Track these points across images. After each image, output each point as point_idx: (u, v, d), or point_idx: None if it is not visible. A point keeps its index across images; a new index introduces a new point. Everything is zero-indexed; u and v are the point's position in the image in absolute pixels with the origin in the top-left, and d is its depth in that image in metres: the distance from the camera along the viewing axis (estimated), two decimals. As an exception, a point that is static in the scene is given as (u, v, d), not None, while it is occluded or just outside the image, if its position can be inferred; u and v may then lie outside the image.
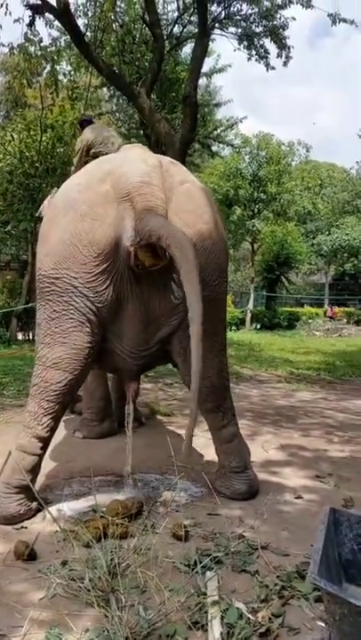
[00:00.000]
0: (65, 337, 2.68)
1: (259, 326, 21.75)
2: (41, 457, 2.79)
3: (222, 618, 1.87)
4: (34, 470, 2.77)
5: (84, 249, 2.62)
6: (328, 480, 3.47)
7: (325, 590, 1.37)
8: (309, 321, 22.42)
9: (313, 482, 3.45)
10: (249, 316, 21.71)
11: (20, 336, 12.40)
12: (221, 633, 1.78)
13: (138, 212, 2.60)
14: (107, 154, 4.23)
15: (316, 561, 1.41)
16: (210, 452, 3.49)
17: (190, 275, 2.44)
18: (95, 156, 4.28)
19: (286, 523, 2.78)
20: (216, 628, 1.80)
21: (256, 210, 21.93)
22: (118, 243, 2.63)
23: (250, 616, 1.89)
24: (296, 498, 3.14)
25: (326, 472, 3.63)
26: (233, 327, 20.67)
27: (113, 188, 2.69)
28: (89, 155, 4.44)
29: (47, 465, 3.36)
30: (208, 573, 2.14)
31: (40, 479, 3.01)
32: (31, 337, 11.89)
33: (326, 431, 4.85)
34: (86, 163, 4.08)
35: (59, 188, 3.07)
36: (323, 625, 1.87)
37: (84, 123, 4.78)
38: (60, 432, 4.07)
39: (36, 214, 7.57)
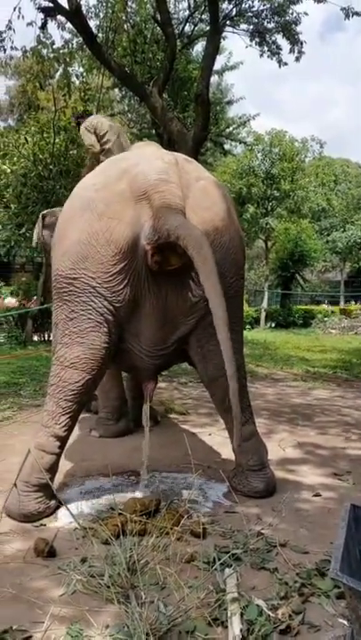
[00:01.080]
0: (83, 337, 2.69)
1: (274, 325, 21.65)
2: (59, 456, 2.81)
3: (242, 614, 1.86)
4: (52, 469, 2.78)
5: (101, 248, 2.62)
6: (346, 478, 3.45)
7: (348, 586, 1.36)
8: (325, 319, 22.23)
9: (331, 480, 3.43)
10: (263, 314, 21.61)
11: (35, 337, 12.49)
12: (241, 629, 1.78)
13: (156, 211, 2.59)
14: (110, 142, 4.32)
15: (337, 557, 1.40)
16: (227, 451, 3.49)
17: (210, 278, 2.44)
18: (104, 144, 4.38)
19: (305, 520, 2.76)
20: (236, 625, 1.80)
21: (269, 207, 21.81)
22: (136, 241, 2.63)
23: (270, 613, 1.88)
24: (314, 496, 3.13)
25: (344, 470, 3.60)
26: (247, 326, 20.58)
27: (130, 187, 2.68)
28: (100, 141, 4.49)
29: (65, 463, 3.39)
30: (227, 570, 2.14)
31: (58, 477, 3.03)
32: (46, 338, 11.98)
33: (343, 429, 4.82)
34: (102, 152, 4.11)
35: (70, 191, 3.06)
36: (344, 622, 1.86)
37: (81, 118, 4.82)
38: (77, 431, 4.10)
39: (32, 244, 7.60)
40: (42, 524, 2.68)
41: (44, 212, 5.32)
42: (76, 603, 1.98)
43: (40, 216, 5.25)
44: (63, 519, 2.74)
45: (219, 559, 2.20)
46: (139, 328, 2.82)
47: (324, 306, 25.31)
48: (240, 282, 3.01)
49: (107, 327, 2.71)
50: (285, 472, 3.54)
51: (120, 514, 2.60)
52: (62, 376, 2.71)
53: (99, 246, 2.62)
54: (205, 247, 2.46)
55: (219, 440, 4.16)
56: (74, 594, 2.04)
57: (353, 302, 26.28)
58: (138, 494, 3.04)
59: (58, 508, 2.81)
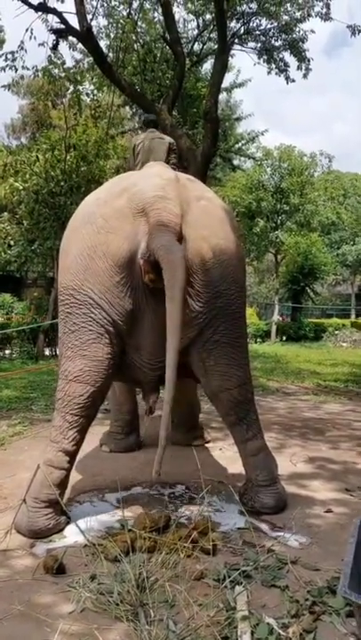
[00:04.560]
0: (85, 349, 2.72)
1: (284, 338, 21.54)
2: (68, 471, 2.81)
3: (252, 633, 1.84)
4: (62, 484, 2.78)
5: (99, 260, 2.69)
6: (358, 493, 3.40)
7: (357, 604, 1.34)
8: (336, 332, 22.07)
9: (342, 495, 3.38)
10: (274, 328, 21.52)
11: (47, 352, 12.56)
12: (251, 648, 1.75)
13: (150, 228, 2.65)
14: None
15: (346, 574, 1.39)
16: (238, 465, 3.46)
17: (173, 303, 2.48)
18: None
19: (316, 537, 2.73)
20: (246, 644, 1.77)
21: (279, 221, 21.82)
22: (133, 256, 2.68)
23: (280, 631, 1.86)
24: (326, 511, 3.09)
25: (356, 485, 3.56)
26: (258, 339, 20.52)
27: (129, 203, 2.75)
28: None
29: (75, 478, 3.38)
30: (237, 588, 2.12)
31: (68, 492, 3.03)
32: (57, 352, 12.02)
33: (355, 443, 4.76)
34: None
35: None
36: (356, 641, 1.83)
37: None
38: (87, 445, 4.09)
39: None
40: (51, 541, 2.68)
41: None
42: (85, 620, 1.97)
43: None
44: (72, 536, 2.72)
45: (229, 576, 2.18)
46: (139, 341, 2.86)
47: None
48: (241, 299, 3.03)
49: (108, 338, 2.74)
50: (297, 487, 3.50)
51: (130, 530, 2.58)
52: (67, 390, 2.74)
53: (97, 258, 2.69)
54: (179, 273, 2.51)
55: (229, 454, 4.13)
56: (83, 611, 2.03)
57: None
58: (147, 510, 3.03)
59: (67, 524, 2.81)
